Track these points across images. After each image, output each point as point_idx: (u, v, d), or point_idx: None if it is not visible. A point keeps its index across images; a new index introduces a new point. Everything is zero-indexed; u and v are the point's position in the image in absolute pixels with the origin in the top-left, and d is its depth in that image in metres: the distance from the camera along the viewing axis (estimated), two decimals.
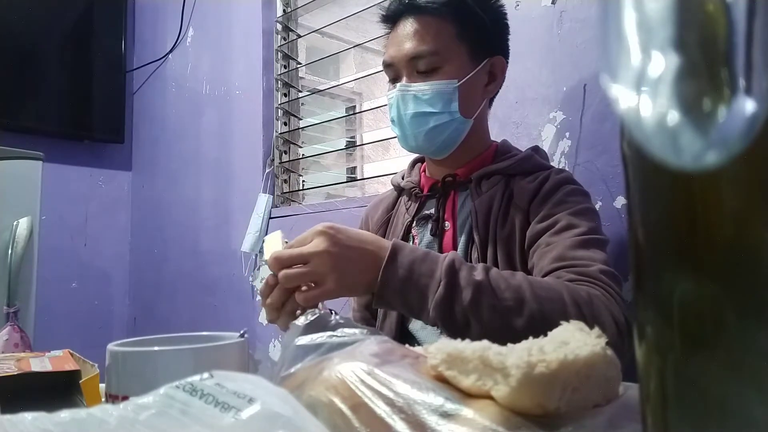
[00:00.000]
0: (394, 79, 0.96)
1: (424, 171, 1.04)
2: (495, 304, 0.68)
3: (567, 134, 1.15)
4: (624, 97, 0.18)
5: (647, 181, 0.22)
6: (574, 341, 0.34)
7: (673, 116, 0.17)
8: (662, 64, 0.17)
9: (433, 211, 0.97)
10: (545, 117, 1.19)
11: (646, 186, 0.22)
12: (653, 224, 0.22)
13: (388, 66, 0.96)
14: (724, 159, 0.18)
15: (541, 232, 0.84)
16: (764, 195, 0.20)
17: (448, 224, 0.96)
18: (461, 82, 0.92)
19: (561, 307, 0.68)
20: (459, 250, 0.93)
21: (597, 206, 1.09)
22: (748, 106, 0.17)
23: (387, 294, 0.70)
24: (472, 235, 0.91)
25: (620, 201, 1.07)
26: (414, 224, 0.99)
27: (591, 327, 0.69)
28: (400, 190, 1.07)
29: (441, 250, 0.94)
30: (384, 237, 1.04)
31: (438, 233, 0.95)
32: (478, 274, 0.70)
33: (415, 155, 1.09)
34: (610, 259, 0.83)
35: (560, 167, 1.14)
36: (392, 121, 0.96)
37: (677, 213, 0.22)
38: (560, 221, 0.84)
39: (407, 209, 1.02)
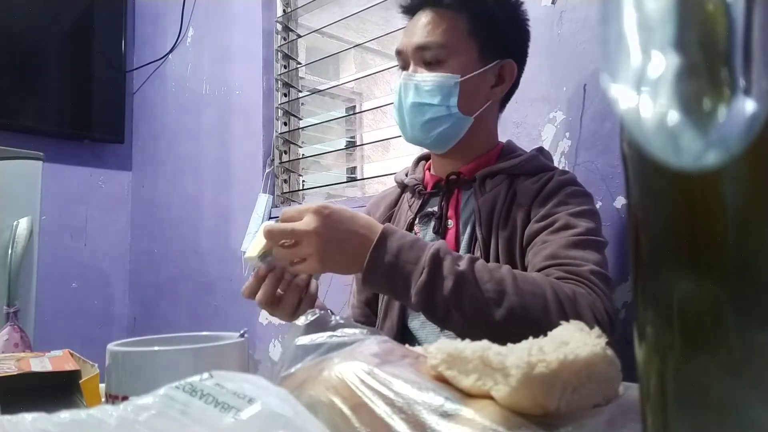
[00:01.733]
0: (404, 68, 0.97)
1: (429, 169, 1.04)
2: (476, 294, 0.69)
3: (567, 134, 1.15)
4: (624, 97, 0.18)
5: (647, 181, 0.22)
6: (574, 341, 0.34)
7: (673, 116, 0.17)
8: (662, 64, 0.17)
9: (436, 208, 0.97)
10: (545, 117, 1.19)
11: (646, 186, 0.22)
12: (653, 224, 0.22)
13: (398, 53, 0.97)
14: (724, 159, 0.18)
15: (539, 230, 0.85)
16: (764, 195, 0.20)
17: (451, 222, 0.96)
18: (464, 78, 0.92)
19: (542, 302, 0.70)
20: (462, 248, 0.93)
21: (597, 206, 1.09)
22: (748, 106, 0.17)
23: (373, 277, 0.73)
24: (476, 234, 0.91)
25: (620, 201, 1.07)
26: (416, 221, 1.00)
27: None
28: (403, 187, 1.07)
29: None
30: None
31: (441, 231, 0.95)
32: (462, 265, 0.72)
33: (420, 153, 1.10)
34: (607, 261, 0.83)
35: (563, 168, 1.14)
36: (395, 108, 0.98)
37: (677, 213, 0.22)
38: (558, 221, 0.84)
39: (410, 206, 1.02)
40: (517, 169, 0.93)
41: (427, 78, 0.92)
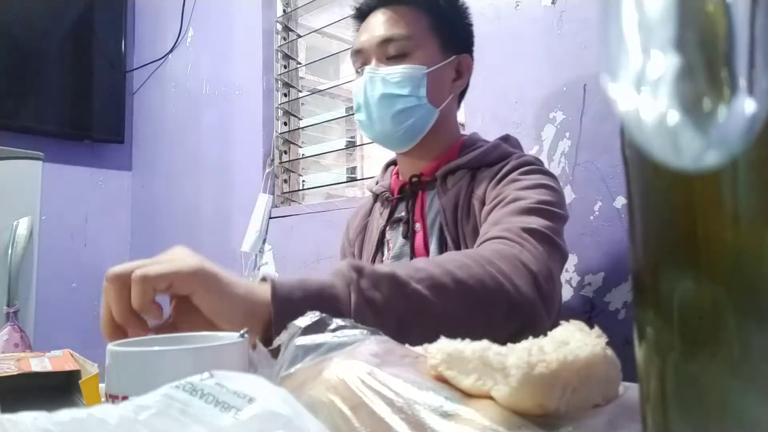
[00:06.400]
0: (362, 66, 0.95)
1: (397, 174, 1.03)
2: (408, 293, 0.61)
3: (567, 134, 1.15)
4: (624, 97, 0.18)
5: (647, 182, 0.22)
6: (574, 341, 0.34)
7: (673, 116, 0.17)
8: (662, 64, 0.17)
9: (404, 213, 0.97)
10: (545, 117, 1.19)
11: (646, 186, 0.22)
12: (653, 224, 0.22)
13: (357, 52, 0.95)
14: (724, 159, 0.18)
15: (489, 210, 0.83)
16: (764, 195, 0.20)
17: (418, 225, 0.95)
18: (430, 69, 0.92)
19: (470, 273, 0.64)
20: (432, 250, 0.92)
21: (597, 206, 1.09)
22: (748, 106, 0.17)
23: (290, 306, 0.54)
24: (444, 235, 0.90)
25: (620, 201, 1.07)
26: (387, 228, 0.99)
27: (501, 281, 0.66)
28: (375, 196, 1.06)
29: (413, 252, 0.94)
30: (362, 244, 1.04)
31: (409, 235, 0.95)
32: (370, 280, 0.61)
33: (388, 159, 1.09)
34: (561, 231, 0.80)
35: (562, 168, 1.14)
36: (357, 108, 0.95)
37: (677, 213, 0.22)
38: (508, 196, 0.82)
39: (381, 214, 1.02)
40: (478, 161, 0.92)
41: (395, 70, 0.91)
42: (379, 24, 0.93)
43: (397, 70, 0.91)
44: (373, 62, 0.93)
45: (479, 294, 0.64)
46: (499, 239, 0.73)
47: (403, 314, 0.60)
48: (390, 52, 0.91)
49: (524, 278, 0.68)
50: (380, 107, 0.91)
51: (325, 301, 0.56)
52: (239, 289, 0.55)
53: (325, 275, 0.60)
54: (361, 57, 0.95)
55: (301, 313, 0.45)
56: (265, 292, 0.55)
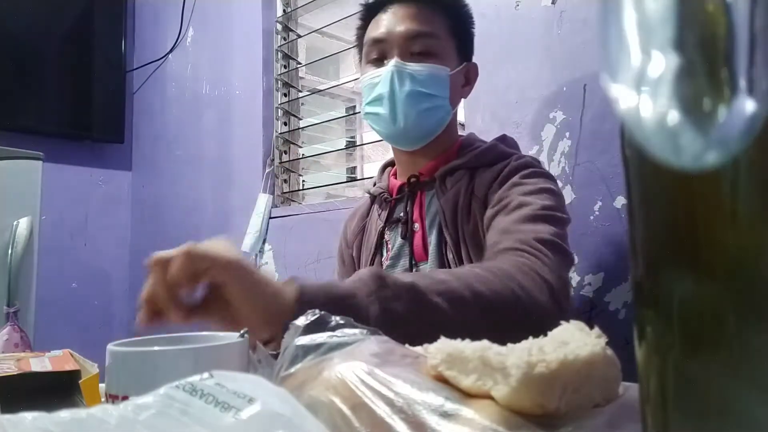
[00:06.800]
0: (380, 58, 0.93)
1: (394, 175, 1.03)
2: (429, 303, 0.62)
3: (567, 134, 1.15)
4: (624, 97, 0.18)
5: (647, 182, 0.22)
6: (574, 341, 0.34)
7: (673, 116, 0.17)
8: (662, 64, 0.17)
9: (402, 213, 0.97)
10: (545, 117, 1.19)
11: (646, 186, 0.22)
12: (653, 224, 0.22)
13: (377, 42, 0.92)
14: (724, 159, 0.18)
15: (494, 215, 0.83)
16: (764, 195, 0.20)
17: (417, 225, 0.95)
18: (452, 72, 0.92)
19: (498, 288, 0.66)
20: (431, 250, 0.92)
21: (597, 206, 1.09)
22: (748, 106, 0.17)
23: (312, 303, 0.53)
24: (444, 235, 0.90)
25: (620, 201, 1.07)
26: (386, 229, 0.99)
27: (520, 295, 0.67)
28: (373, 198, 1.06)
29: (412, 252, 0.94)
30: (360, 245, 1.04)
31: (408, 236, 0.94)
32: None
33: (385, 160, 1.09)
34: (566, 236, 0.81)
35: (562, 167, 1.14)
36: (378, 99, 0.91)
37: (677, 213, 0.22)
38: (512, 202, 0.82)
39: (379, 215, 1.02)
40: (476, 162, 0.92)
41: (420, 68, 0.89)
42: (402, 18, 0.91)
43: (426, 68, 0.89)
44: (396, 57, 0.90)
45: (499, 308, 0.66)
46: (516, 251, 0.74)
47: (422, 326, 0.60)
48: (415, 48, 0.90)
49: (543, 292, 0.69)
50: (408, 103, 0.89)
51: (345, 309, 0.53)
52: (269, 289, 0.57)
53: (348, 283, 0.62)
54: (378, 48, 0.92)
55: None
56: (291, 293, 0.58)
